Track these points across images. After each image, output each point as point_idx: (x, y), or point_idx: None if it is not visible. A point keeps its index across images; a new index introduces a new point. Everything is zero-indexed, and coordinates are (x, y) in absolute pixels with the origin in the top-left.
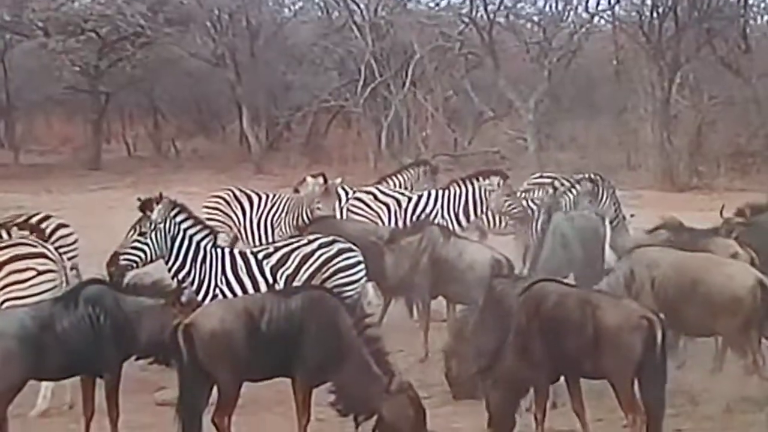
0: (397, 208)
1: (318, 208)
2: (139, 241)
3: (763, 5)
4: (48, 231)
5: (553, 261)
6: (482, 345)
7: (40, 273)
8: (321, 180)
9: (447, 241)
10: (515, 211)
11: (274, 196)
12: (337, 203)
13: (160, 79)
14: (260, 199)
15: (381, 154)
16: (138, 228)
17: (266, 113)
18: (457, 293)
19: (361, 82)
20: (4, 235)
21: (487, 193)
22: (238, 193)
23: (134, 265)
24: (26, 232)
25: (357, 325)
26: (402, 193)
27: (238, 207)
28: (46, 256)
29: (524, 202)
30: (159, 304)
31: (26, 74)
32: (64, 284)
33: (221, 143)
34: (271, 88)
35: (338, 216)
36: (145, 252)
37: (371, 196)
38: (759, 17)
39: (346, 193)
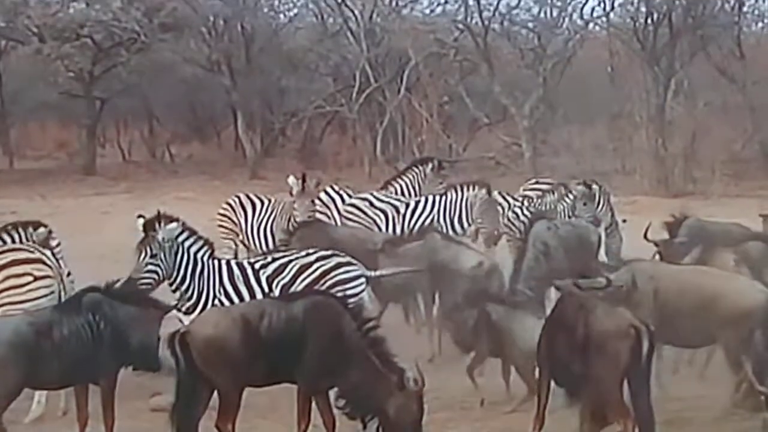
0: (395, 214)
1: (294, 209)
2: (152, 263)
3: (757, 12)
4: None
5: (535, 270)
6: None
7: (37, 278)
8: (300, 181)
9: (446, 246)
10: (484, 228)
11: (275, 201)
12: (338, 205)
13: (155, 85)
14: (263, 204)
15: (376, 160)
16: (149, 250)
17: (261, 119)
18: (449, 297)
19: (356, 88)
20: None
21: (473, 203)
22: (243, 198)
23: (150, 287)
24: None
25: (361, 329)
26: (398, 200)
27: (242, 213)
28: (44, 262)
29: (501, 219)
30: (149, 313)
31: (21, 80)
32: (61, 291)
33: (216, 148)
34: (266, 93)
35: (335, 221)
36: (158, 273)
37: (367, 203)
38: (753, 24)
39: (349, 196)
